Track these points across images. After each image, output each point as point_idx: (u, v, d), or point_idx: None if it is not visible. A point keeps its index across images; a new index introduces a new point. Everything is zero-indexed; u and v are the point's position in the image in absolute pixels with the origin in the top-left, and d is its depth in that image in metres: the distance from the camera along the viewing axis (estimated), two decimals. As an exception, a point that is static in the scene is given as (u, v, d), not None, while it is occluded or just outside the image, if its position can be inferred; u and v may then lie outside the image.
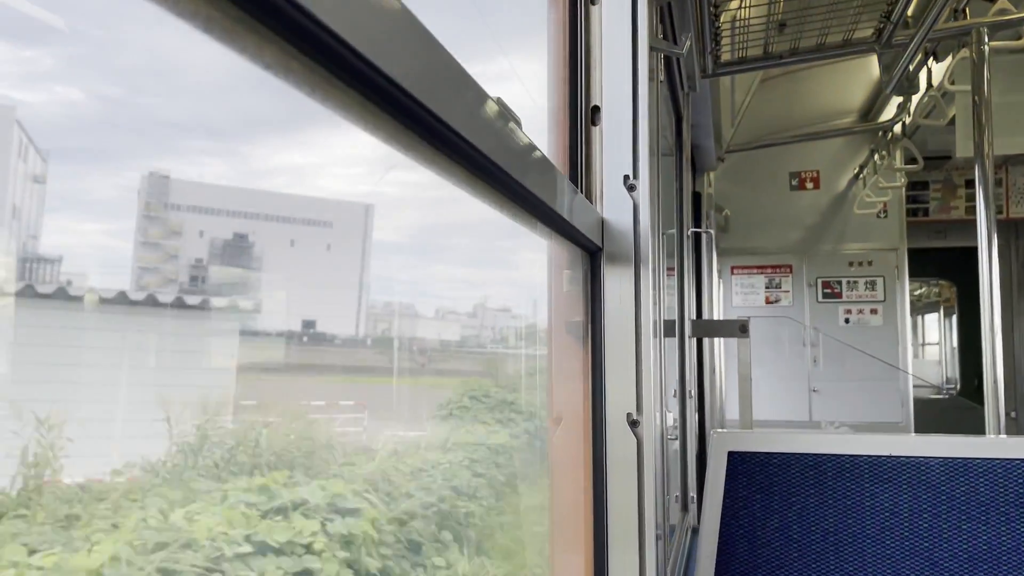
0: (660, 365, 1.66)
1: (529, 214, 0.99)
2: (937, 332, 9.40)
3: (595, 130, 1.38)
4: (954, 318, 8.16)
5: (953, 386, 7.89)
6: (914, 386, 6.18)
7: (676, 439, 2.99)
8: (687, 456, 2.88)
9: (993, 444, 1.47)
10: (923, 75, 4.41)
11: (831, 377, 6.12)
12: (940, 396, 8.07)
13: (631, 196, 1.36)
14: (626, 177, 1.36)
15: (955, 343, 8.10)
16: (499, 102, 0.83)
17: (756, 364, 3.79)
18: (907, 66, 3.60)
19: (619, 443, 1.34)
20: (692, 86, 2.91)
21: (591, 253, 1.36)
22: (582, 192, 1.35)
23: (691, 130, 3.72)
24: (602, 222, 1.36)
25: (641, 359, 1.35)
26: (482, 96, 0.78)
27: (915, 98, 4.64)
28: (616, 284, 1.36)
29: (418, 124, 0.66)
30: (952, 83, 3.81)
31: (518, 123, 0.88)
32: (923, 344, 10.03)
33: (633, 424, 1.34)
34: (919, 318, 10.05)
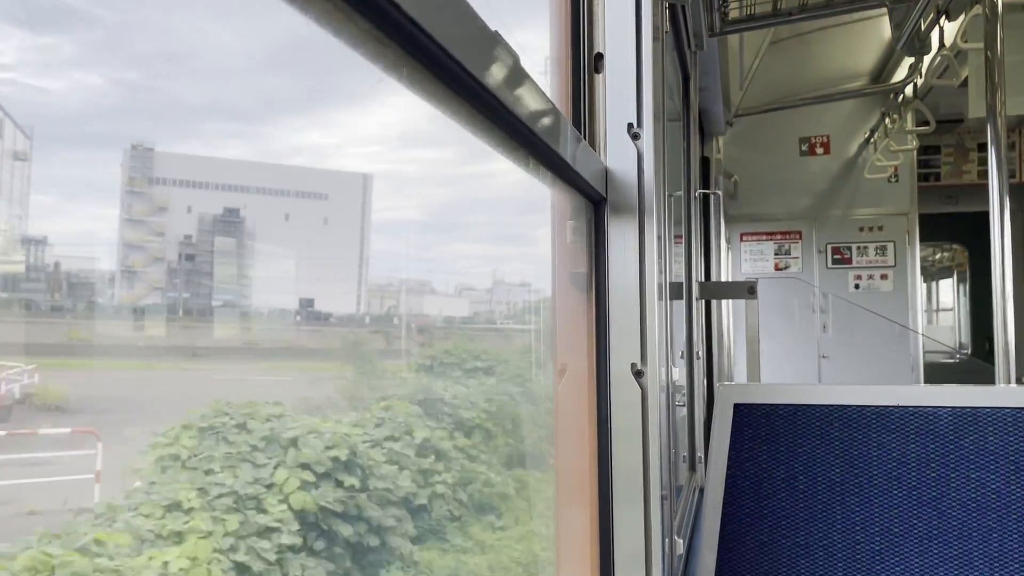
0: (666, 323, 1.65)
1: (532, 156, 0.98)
2: (951, 297, 9.35)
3: (598, 78, 1.36)
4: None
5: (967, 351, 7.86)
6: (926, 352, 6.15)
7: (684, 405, 2.99)
8: (695, 417, 2.88)
9: (1003, 393, 1.46)
10: (935, 34, 4.34)
11: (841, 343, 6.10)
12: (952, 360, 8.04)
13: (635, 145, 1.34)
14: (630, 125, 1.34)
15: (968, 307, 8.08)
16: (497, 36, 0.82)
17: (764, 331, 3.78)
18: (918, 23, 3.54)
19: (623, 394, 1.34)
20: (699, 45, 2.87)
21: (595, 203, 1.35)
22: (586, 140, 1.33)
23: (699, 93, 3.67)
24: (606, 172, 1.35)
25: (646, 309, 1.34)
26: (483, 29, 0.76)
27: (927, 59, 4.56)
28: (620, 234, 1.34)
29: (417, 50, 0.65)
30: (965, 41, 3.74)
31: (517, 59, 0.86)
32: (937, 310, 9.98)
33: (638, 375, 1.33)
34: (934, 284, 10.00)
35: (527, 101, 0.88)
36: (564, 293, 1.40)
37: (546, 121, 0.94)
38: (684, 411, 2.99)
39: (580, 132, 1.34)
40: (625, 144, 1.34)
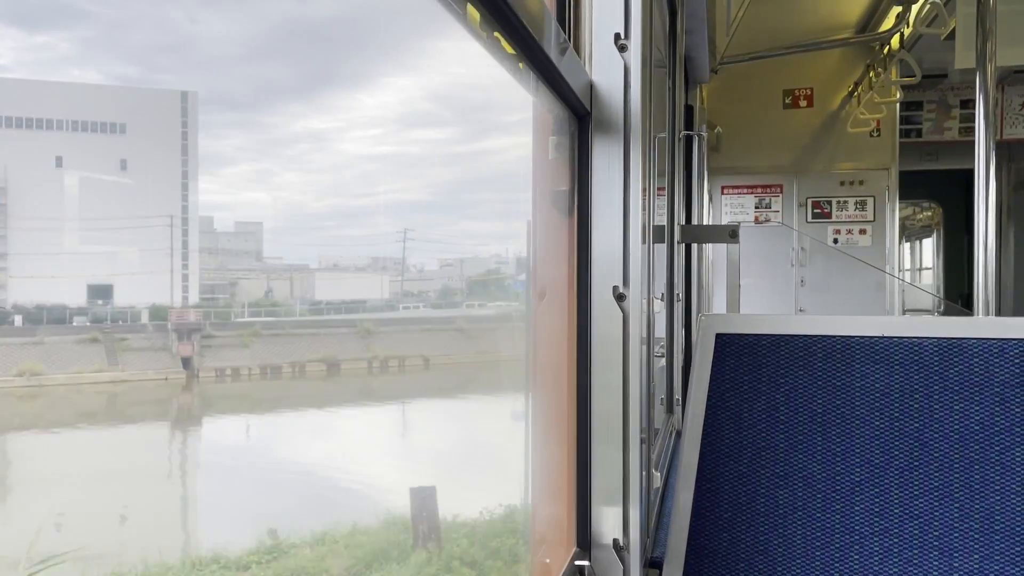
0: (649, 258, 1.60)
1: (514, 45, 0.91)
2: (931, 257, 9.43)
3: (585, -16, 1.29)
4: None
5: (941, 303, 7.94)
6: (905, 311, 6.19)
7: (663, 356, 2.97)
8: (673, 360, 2.86)
9: (989, 324, 1.43)
10: (925, -18, 4.27)
11: (818, 298, 6.12)
12: (931, 313, 8.11)
13: (622, 57, 1.28)
14: (617, 36, 1.27)
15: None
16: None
17: (742, 284, 3.76)
18: (910, -33, 3.47)
19: (605, 317, 1.29)
20: (687, -21, 2.79)
21: (579, 118, 1.29)
22: (572, 47, 1.27)
23: (685, 36, 3.59)
24: (591, 85, 1.28)
25: (629, 230, 1.29)
26: None
27: (914, 8, 4.50)
28: (605, 152, 1.29)
29: None
30: (955, -14, 3.67)
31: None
32: (920, 268, 10.05)
33: (620, 298, 1.29)
34: (916, 243, 10.05)
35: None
36: (544, 213, 1.34)
37: (530, 8, 0.88)
38: (663, 362, 2.97)
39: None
40: (611, 55, 1.27)
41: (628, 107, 1.28)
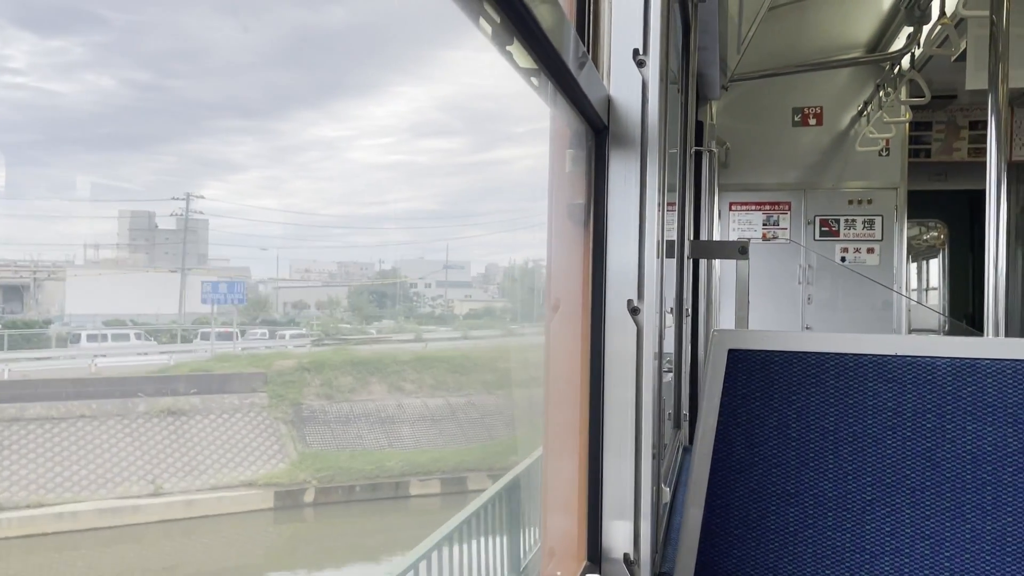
0: (661, 271, 1.61)
1: (534, 56, 0.92)
2: (937, 277, 9.42)
3: (604, 0, 1.30)
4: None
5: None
6: (911, 331, 6.17)
7: (670, 371, 2.96)
8: (681, 375, 2.85)
9: (1001, 345, 1.43)
10: (935, 4, 4.28)
11: (824, 316, 6.11)
12: (937, 333, 8.10)
13: (640, 72, 1.28)
14: (636, 51, 1.28)
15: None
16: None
17: (749, 300, 3.75)
18: (921, -12, 3.48)
19: (619, 331, 1.30)
20: (701, -4, 2.80)
21: (596, 132, 1.29)
22: (591, 61, 1.28)
23: (698, 53, 3.61)
24: (609, 100, 1.29)
25: (645, 244, 1.29)
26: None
27: (925, 29, 4.51)
28: (622, 166, 1.29)
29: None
30: (966, 7, 3.68)
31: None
32: (927, 289, 10.04)
33: (634, 311, 1.29)
34: (923, 263, 10.04)
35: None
36: (560, 225, 1.35)
37: (550, 19, 0.89)
38: (670, 376, 2.96)
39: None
40: (630, 71, 1.28)
41: (645, 122, 1.29)
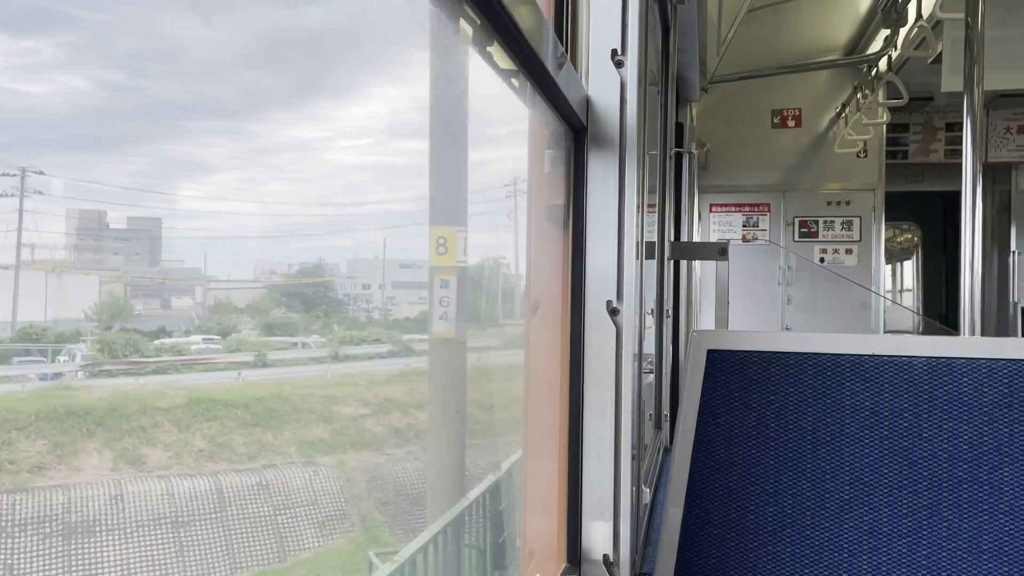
0: (640, 272, 1.61)
1: (513, 56, 0.92)
2: (911, 279, 9.53)
3: (582, 0, 1.30)
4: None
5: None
6: (888, 331, 6.23)
7: (651, 372, 2.97)
8: (662, 375, 2.86)
9: (978, 344, 1.44)
10: (912, 6, 4.32)
11: (804, 317, 6.15)
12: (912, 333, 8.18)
13: (619, 73, 1.28)
14: (614, 52, 1.28)
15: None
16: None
17: (729, 301, 3.77)
18: (898, -8, 3.51)
19: (598, 332, 1.30)
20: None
21: (575, 132, 1.29)
22: (569, 62, 1.27)
23: (677, 55, 3.62)
24: (587, 100, 1.29)
25: (624, 245, 1.29)
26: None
27: (902, 31, 4.55)
28: (601, 167, 1.29)
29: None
30: (942, 10, 3.72)
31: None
32: (901, 290, 10.14)
33: (613, 312, 1.29)
34: (897, 265, 10.15)
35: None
36: (539, 226, 1.34)
37: (529, 20, 0.88)
38: (651, 377, 2.97)
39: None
40: (608, 71, 1.28)
41: (624, 123, 1.29)
